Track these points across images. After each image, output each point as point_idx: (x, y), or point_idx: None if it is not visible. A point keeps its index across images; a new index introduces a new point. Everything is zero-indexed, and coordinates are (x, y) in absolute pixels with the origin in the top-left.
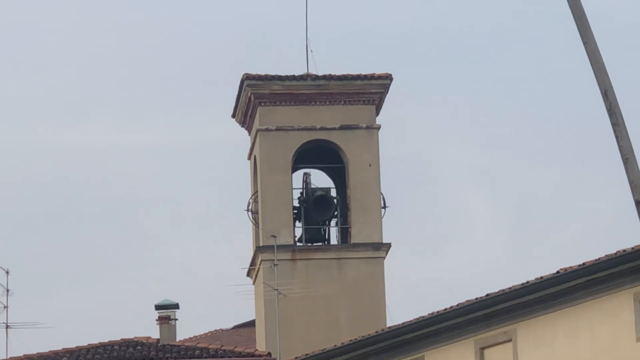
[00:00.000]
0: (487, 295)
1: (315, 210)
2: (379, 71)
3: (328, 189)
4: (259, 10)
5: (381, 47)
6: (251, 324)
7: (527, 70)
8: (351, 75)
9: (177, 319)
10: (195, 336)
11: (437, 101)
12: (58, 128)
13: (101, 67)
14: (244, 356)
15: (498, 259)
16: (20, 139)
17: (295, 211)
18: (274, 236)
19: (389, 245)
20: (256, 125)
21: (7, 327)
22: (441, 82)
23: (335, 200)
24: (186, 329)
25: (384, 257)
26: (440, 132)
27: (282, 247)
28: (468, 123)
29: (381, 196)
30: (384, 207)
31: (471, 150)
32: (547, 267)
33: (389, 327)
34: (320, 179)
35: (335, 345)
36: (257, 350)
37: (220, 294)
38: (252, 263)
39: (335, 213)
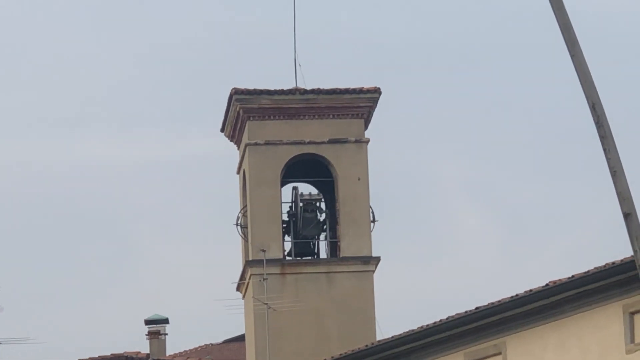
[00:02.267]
0: (476, 308)
1: (303, 229)
2: (367, 85)
3: (319, 198)
4: (247, 25)
5: (370, 60)
6: (241, 338)
7: (517, 84)
8: (340, 89)
9: (166, 334)
10: (185, 351)
11: (426, 114)
12: (47, 143)
13: (89, 83)
14: None
15: (489, 272)
16: (10, 153)
17: (284, 225)
18: (264, 250)
19: (378, 259)
20: (245, 139)
21: None
22: (431, 95)
23: (323, 215)
24: (176, 344)
25: (374, 271)
26: (429, 145)
27: (271, 262)
28: (458, 136)
29: (370, 210)
30: (373, 220)
31: (461, 163)
32: (538, 280)
33: (379, 341)
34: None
35: (325, 359)
36: None
37: (210, 308)
38: (242, 277)
39: (325, 227)
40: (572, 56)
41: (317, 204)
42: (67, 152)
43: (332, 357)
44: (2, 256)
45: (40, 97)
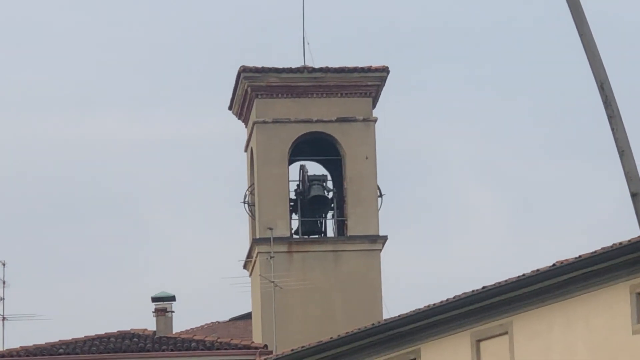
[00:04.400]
0: (483, 287)
1: (310, 208)
2: (375, 64)
3: (324, 177)
4: (256, 2)
5: (378, 39)
6: (248, 316)
7: (526, 63)
8: (348, 67)
9: (173, 311)
10: (191, 328)
11: (434, 93)
12: (56, 122)
13: (100, 63)
14: (240, 348)
15: (497, 252)
16: (21, 132)
17: (291, 203)
18: (271, 228)
19: (385, 238)
20: (253, 117)
21: (3, 318)
22: (439, 74)
23: (330, 194)
24: (182, 321)
25: (381, 250)
26: (438, 124)
27: (278, 240)
28: (466, 115)
29: (378, 189)
30: (380, 197)
31: (469, 143)
32: (546, 260)
33: (385, 320)
34: (317, 171)
35: (331, 338)
36: (253, 342)
37: (216, 286)
38: (249, 255)
39: (332, 205)
40: (580, 35)
41: (324, 183)
42: (78, 130)
43: (338, 335)
44: (10, 232)
45: (54, 76)
